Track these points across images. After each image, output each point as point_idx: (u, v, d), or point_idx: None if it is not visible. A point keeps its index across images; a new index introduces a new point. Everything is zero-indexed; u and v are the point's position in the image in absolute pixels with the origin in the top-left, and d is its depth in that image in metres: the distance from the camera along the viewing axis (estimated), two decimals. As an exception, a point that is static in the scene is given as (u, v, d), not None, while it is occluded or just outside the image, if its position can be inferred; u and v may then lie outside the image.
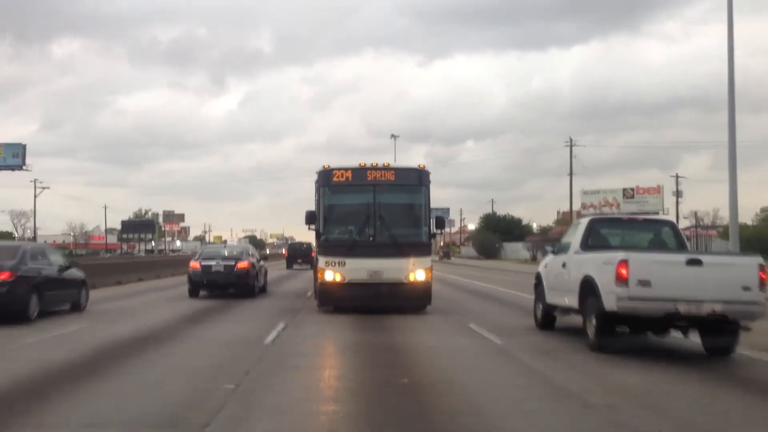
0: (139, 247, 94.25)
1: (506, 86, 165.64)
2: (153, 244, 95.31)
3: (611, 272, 7.77)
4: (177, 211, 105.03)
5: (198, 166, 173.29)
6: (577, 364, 7.20)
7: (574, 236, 9.62)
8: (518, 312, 12.74)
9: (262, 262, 17.30)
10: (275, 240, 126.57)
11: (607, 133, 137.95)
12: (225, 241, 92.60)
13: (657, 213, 65.61)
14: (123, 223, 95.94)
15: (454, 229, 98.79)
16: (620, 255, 7.83)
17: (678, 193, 67.01)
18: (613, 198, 72.42)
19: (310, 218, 13.25)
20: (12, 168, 57.03)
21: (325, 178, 13.08)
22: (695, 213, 72.49)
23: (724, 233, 69.69)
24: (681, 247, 9.37)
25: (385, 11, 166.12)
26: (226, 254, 15.59)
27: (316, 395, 5.67)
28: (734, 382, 6.62)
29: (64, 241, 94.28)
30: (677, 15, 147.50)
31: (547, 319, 10.22)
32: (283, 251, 59.02)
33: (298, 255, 32.21)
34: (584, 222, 9.81)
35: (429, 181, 13.43)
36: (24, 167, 57.63)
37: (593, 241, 9.33)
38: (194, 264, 15.24)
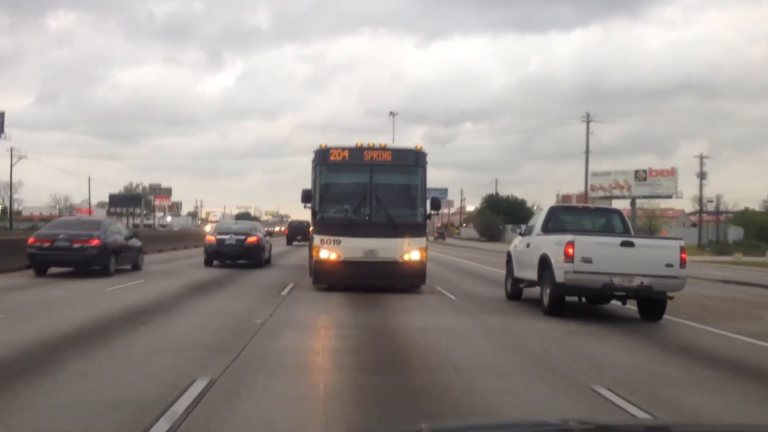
0: (127, 222, 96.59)
1: (504, 69, 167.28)
2: (138, 219, 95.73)
3: (561, 251, 9.92)
4: (164, 185, 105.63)
5: (193, 143, 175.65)
6: (540, 330, 9.00)
7: (538, 221, 11.86)
8: (496, 287, 14.76)
9: (268, 238, 19.87)
10: (270, 217, 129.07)
11: (604, 118, 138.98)
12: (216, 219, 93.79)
13: (670, 196, 66.76)
14: (111, 196, 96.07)
15: (453, 210, 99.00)
16: (568, 237, 10.02)
17: (702, 175, 65.26)
18: (624, 180, 70.20)
19: (307, 197, 13.50)
20: (-12, 136, 52.52)
21: (322, 157, 13.38)
22: (718, 197, 71.84)
23: (735, 219, 69.80)
24: (626, 231, 11.56)
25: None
26: (237, 230, 17.76)
27: (319, 318, 9.16)
28: (660, 341, 8.54)
29: (51, 214, 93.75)
30: (677, 1, 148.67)
31: (515, 291, 12.40)
32: (278, 229, 65.07)
33: (297, 233, 34.96)
34: (546, 209, 12.09)
35: (426, 162, 13.79)
36: (2, 136, 58.12)
37: (552, 225, 11.51)
38: (210, 238, 18.10)
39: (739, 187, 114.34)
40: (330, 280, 13.13)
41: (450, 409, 4.76)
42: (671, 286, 10.09)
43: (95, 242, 14.49)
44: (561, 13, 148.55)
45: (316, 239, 13.19)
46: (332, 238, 13.12)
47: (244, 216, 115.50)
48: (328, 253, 13.05)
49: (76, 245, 14.33)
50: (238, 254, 17.66)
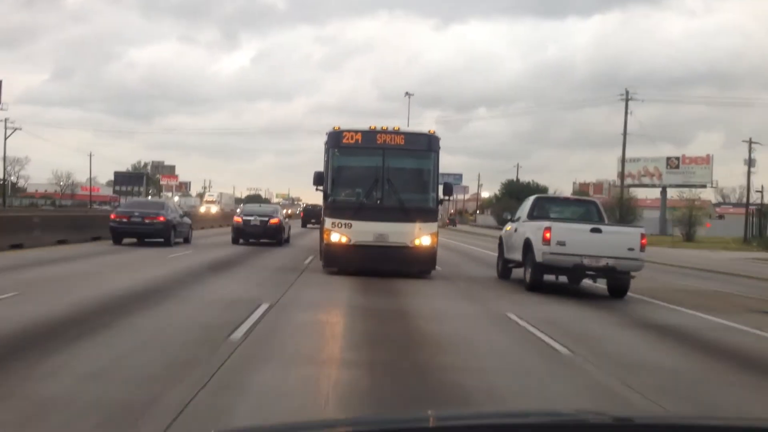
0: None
1: (521, 54, 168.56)
2: (140, 198, 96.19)
3: (540, 235, 12.33)
4: (168, 163, 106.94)
5: (206, 122, 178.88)
6: (516, 299, 11.16)
7: (525, 209, 14.29)
8: (492, 269, 16.66)
9: (287, 220, 22.57)
10: (281, 200, 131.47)
11: (622, 105, 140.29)
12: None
13: (705, 186, 63.67)
14: (116, 174, 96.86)
15: (467, 196, 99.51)
16: (546, 223, 12.47)
17: (750, 162, 60.18)
18: (654, 167, 68.39)
19: (318, 179, 13.80)
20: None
21: (335, 139, 13.64)
22: (765, 189, 68.73)
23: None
24: (600, 220, 13.94)
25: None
26: (261, 212, 20.55)
27: (336, 288, 11.48)
28: (626, 316, 10.53)
29: (55, 192, 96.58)
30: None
31: (505, 271, 14.81)
32: (287, 212, 67.74)
33: (311, 216, 37.97)
34: (532, 199, 14.50)
35: (439, 147, 14.08)
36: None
37: (537, 213, 13.92)
38: (237, 219, 21.54)
39: (759, 178, 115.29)
40: (340, 263, 13.54)
41: (428, 333, 7.20)
42: (632, 266, 12.42)
43: (161, 219, 19.16)
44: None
45: (327, 222, 13.53)
46: (343, 221, 13.41)
47: (254, 198, 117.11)
48: (338, 236, 13.37)
49: (147, 221, 18.95)
50: (262, 234, 20.91)
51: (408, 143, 13.79)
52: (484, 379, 5.58)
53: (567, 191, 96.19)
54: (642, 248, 12.55)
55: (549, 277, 13.06)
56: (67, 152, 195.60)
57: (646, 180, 69.84)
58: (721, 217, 74.59)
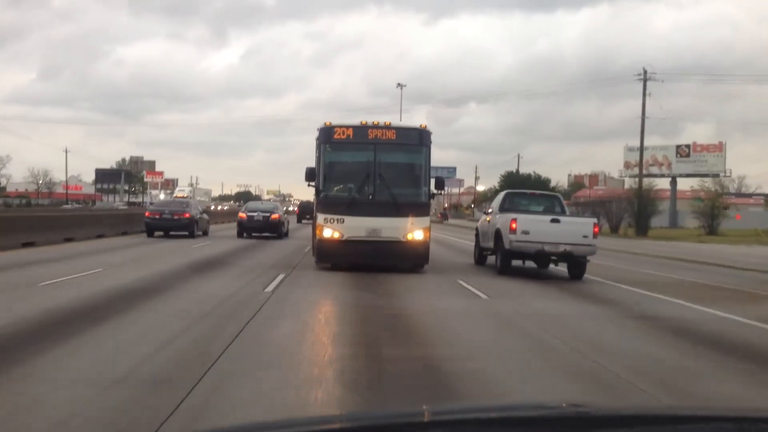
0: (114, 199, 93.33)
1: (511, 48, 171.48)
2: (118, 196, 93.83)
3: (508, 225, 14.85)
4: (148, 158, 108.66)
5: (196, 120, 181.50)
6: (486, 281, 13.60)
7: (497, 202, 16.86)
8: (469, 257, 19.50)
9: (286, 216, 25.30)
10: (272, 197, 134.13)
11: (611, 99, 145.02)
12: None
13: (718, 175, 60.97)
14: (97, 171, 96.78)
15: (462, 190, 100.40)
16: (512, 215, 15.07)
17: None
18: (663, 156, 66.38)
19: (310, 175, 14.32)
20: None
21: (326, 135, 14.10)
22: None
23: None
24: (562, 212, 16.53)
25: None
26: (263, 208, 23.38)
27: (331, 276, 13.98)
28: (559, 287, 14.10)
29: (26, 190, 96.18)
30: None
31: (481, 257, 17.43)
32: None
33: (306, 212, 41.04)
34: (503, 194, 17.12)
35: (430, 142, 14.59)
36: None
37: (508, 206, 16.55)
38: (242, 215, 25.21)
39: (748, 169, 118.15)
40: (333, 259, 14.23)
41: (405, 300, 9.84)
42: (586, 251, 15.10)
43: (187, 215, 24.42)
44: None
45: (320, 218, 14.09)
46: (335, 216, 13.92)
47: (244, 195, 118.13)
48: (331, 231, 13.92)
49: (175, 217, 24.16)
50: (264, 228, 24.48)
51: (399, 138, 14.28)
52: (425, 305, 9.56)
53: (562, 184, 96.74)
54: (594, 236, 15.07)
55: (517, 263, 15.42)
56: (53, 151, 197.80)
57: (654, 170, 66.67)
58: (726, 207, 73.54)
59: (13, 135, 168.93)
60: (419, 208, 14.43)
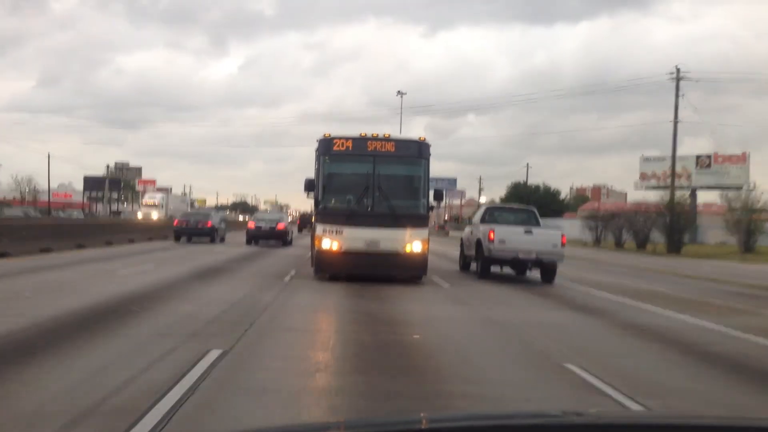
0: (103, 208, 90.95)
1: (510, 60, 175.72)
2: (104, 205, 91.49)
3: (487, 235, 17.58)
4: (143, 166, 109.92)
5: (194, 129, 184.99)
6: (470, 284, 16.51)
7: (478, 215, 19.66)
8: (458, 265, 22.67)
9: (291, 225, 28.36)
10: (269, 207, 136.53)
11: (609, 111, 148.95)
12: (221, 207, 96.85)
13: (740, 187, 57.14)
14: (86, 179, 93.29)
15: (464, 201, 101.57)
16: (491, 226, 17.91)
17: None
18: (682, 168, 62.20)
19: (309, 186, 14.83)
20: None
21: (326, 146, 14.69)
22: None
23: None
24: (536, 223, 19.21)
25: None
26: (270, 218, 26.59)
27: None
28: (551, 295, 16.95)
29: (14, 198, 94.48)
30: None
31: (465, 264, 20.23)
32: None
33: (307, 222, 44.01)
34: (483, 207, 19.92)
35: (429, 154, 15.18)
36: None
37: (488, 218, 19.48)
38: (250, 224, 28.10)
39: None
40: (331, 270, 14.90)
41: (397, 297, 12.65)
42: (555, 258, 17.94)
43: (209, 224, 30.27)
44: (569, 4, 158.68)
45: (319, 229, 14.71)
46: (334, 228, 14.47)
47: (240, 205, 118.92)
48: (330, 243, 14.52)
49: (200, 225, 30.04)
50: (270, 236, 28.16)
51: (398, 150, 14.86)
52: (398, 295, 12.91)
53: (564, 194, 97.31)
54: (562, 245, 17.80)
55: (495, 269, 18.26)
56: (46, 159, 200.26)
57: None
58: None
59: (9, 142, 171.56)
60: (418, 221, 15.10)
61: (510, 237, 18.03)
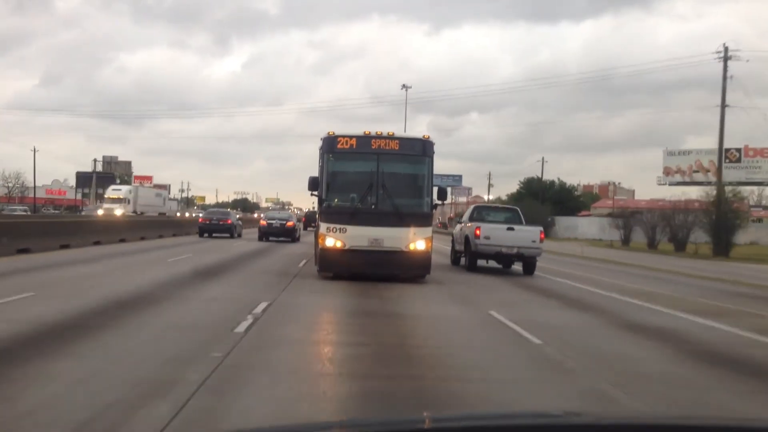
0: (92, 204, 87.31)
1: (513, 58, 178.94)
2: (92, 201, 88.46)
3: (474, 232, 20.55)
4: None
5: (197, 127, 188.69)
6: (462, 278, 19.29)
7: (467, 214, 22.66)
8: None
9: (299, 223, 31.76)
10: (270, 205, 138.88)
11: (613, 110, 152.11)
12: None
13: None
14: (78, 175, 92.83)
15: (470, 198, 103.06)
16: (477, 224, 20.98)
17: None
18: (709, 161, 60.60)
19: (313, 184, 15.38)
20: None
21: (330, 144, 15.22)
22: None
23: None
24: (519, 222, 22.19)
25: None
26: (280, 217, 29.98)
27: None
28: (531, 284, 20.08)
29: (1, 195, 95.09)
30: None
31: (455, 258, 23.32)
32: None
33: (312, 220, 47.08)
34: (471, 207, 23.00)
35: (433, 152, 15.74)
36: None
37: (476, 216, 22.69)
38: (262, 222, 32.35)
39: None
40: (335, 268, 15.61)
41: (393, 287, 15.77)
42: (534, 252, 21.36)
43: (229, 221, 36.83)
44: (573, 2, 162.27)
45: (323, 227, 15.42)
46: (338, 226, 15.06)
47: (241, 203, 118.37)
48: (333, 241, 15.17)
49: (221, 222, 36.52)
50: (280, 233, 32.40)
51: (402, 148, 15.46)
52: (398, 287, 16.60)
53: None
54: (541, 240, 20.73)
55: (482, 262, 21.43)
56: (48, 156, 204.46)
57: (699, 176, 61.61)
58: (759, 220, 68.50)
59: (9, 141, 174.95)
60: (421, 219, 15.76)
61: (494, 233, 21.13)
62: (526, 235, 21.94)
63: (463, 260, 23.13)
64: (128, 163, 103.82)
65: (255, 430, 4.19)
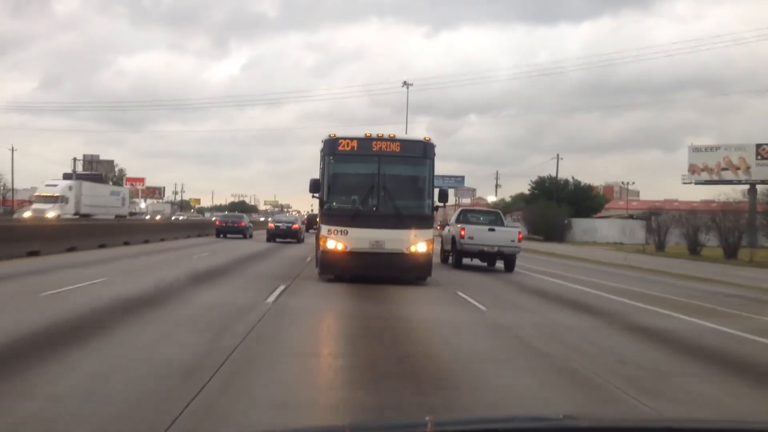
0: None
1: (512, 60, 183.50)
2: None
3: (459, 233, 24.18)
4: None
5: (196, 130, 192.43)
6: (446, 273, 24.13)
7: (454, 216, 26.32)
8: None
9: (303, 226, 35.28)
10: (269, 207, 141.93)
11: (612, 111, 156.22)
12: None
13: None
14: (65, 177, 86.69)
15: (472, 199, 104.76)
16: (461, 225, 24.74)
17: None
18: (739, 158, 58.89)
19: (315, 186, 15.75)
20: None
21: (331, 146, 15.69)
22: None
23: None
24: (501, 223, 25.80)
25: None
26: (286, 220, 34.30)
27: None
28: (511, 279, 23.99)
29: None
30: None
31: (444, 257, 27.18)
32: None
33: (313, 222, 50.86)
34: (459, 210, 26.77)
35: (434, 154, 16.30)
36: None
37: (462, 219, 26.66)
38: (270, 225, 37.30)
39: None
40: (336, 270, 16.18)
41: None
42: (513, 251, 25.63)
43: (243, 224, 45.82)
44: (572, 3, 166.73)
45: (324, 229, 15.90)
46: (339, 228, 15.43)
47: (238, 205, 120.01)
48: (335, 243, 15.63)
49: (236, 225, 45.39)
50: (286, 235, 38.06)
51: (403, 150, 15.93)
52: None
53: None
54: (519, 240, 24.32)
55: (467, 260, 25.26)
56: (47, 161, 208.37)
57: (728, 175, 59.33)
58: None
59: (7, 143, 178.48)
60: (423, 221, 16.35)
61: (477, 234, 24.94)
62: (506, 235, 25.64)
63: (451, 259, 26.67)
64: (110, 162, 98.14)
65: None
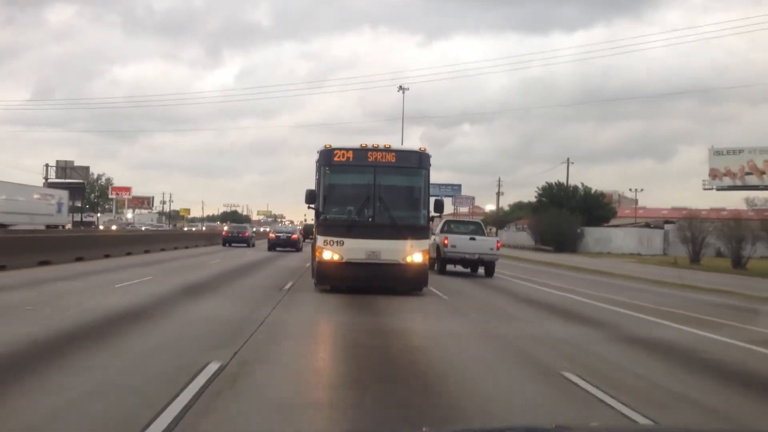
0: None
1: (505, 69, 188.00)
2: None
3: (443, 241, 27.78)
4: (126, 176, 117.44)
5: (190, 140, 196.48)
6: (434, 279, 28.26)
7: (439, 226, 29.84)
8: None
9: (301, 236, 39.75)
10: (262, 217, 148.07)
11: (605, 121, 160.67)
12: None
13: None
14: (50, 185, 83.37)
15: (470, 209, 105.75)
16: (445, 235, 28.58)
17: None
18: (764, 162, 59.31)
19: (310, 197, 16.25)
20: None
21: (326, 157, 16.24)
22: None
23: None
24: (482, 233, 29.43)
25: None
26: (286, 230, 38.14)
27: None
28: (494, 284, 27.79)
29: None
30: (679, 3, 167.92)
31: (431, 265, 30.21)
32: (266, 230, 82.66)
33: (309, 233, 54.53)
34: (444, 220, 30.35)
35: (429, 164, 16.85)
36: None
37: (446, 228, 30.75)
38: (271, 235, 42.00)
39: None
40: (332, 281, 16.85)
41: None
42: (492, 258, 29.74)
43: (247, 234, 56.24)
44: (564, 13, 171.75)
45: (319, 240, 16.49)
46: (335, 239, 15.93)
47: (230, 215, 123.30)
48: (330, 254, 16.14)
49: (241, 235, 55.66)
50: (286, 244, 42.81)
51: (399, 161, 16.46)
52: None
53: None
54: (497, 248, 27.90)
55: (450, 267, 29.21)
56: (36, 171, 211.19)
57: (752, 180, 59.40)
58: None
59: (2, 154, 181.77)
60: (418, 231, 16.87)
61: (459, 243, 28.76)
62: (485, 244, 29.41)
63: (436, 266, 30.10)
64: (86, 169, 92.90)
65: None
